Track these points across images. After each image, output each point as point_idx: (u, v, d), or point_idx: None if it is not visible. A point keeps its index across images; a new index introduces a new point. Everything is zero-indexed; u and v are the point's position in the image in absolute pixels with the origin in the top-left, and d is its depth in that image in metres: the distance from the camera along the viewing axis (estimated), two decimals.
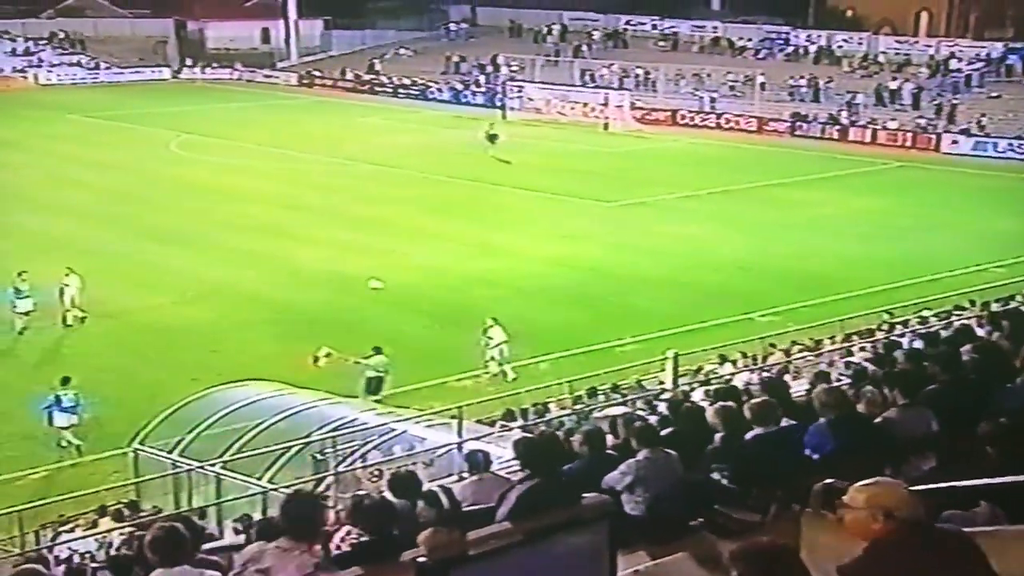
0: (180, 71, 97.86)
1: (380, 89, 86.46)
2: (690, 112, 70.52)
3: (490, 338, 27.72)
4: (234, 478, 18.60)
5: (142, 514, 18.26)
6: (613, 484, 9.22)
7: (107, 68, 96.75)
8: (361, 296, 33.27)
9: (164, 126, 68.31)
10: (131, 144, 62.97)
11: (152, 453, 20.07)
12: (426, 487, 9.09)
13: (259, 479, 18.23)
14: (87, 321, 31.42)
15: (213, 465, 18.94)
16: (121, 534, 16.69)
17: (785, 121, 66.87)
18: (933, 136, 61.64)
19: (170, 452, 19.84)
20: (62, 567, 15.22)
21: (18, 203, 46.12)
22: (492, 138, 56.80)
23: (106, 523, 18.21)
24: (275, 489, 17.68)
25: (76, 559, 16.26)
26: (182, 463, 19.48)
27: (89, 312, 31.71)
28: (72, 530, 18.56)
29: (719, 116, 69.25)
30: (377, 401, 24.65)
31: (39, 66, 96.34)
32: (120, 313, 32.36)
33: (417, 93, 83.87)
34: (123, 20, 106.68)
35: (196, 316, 32.18)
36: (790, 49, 79.53)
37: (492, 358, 27.62)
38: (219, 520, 17.43)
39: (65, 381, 24.18)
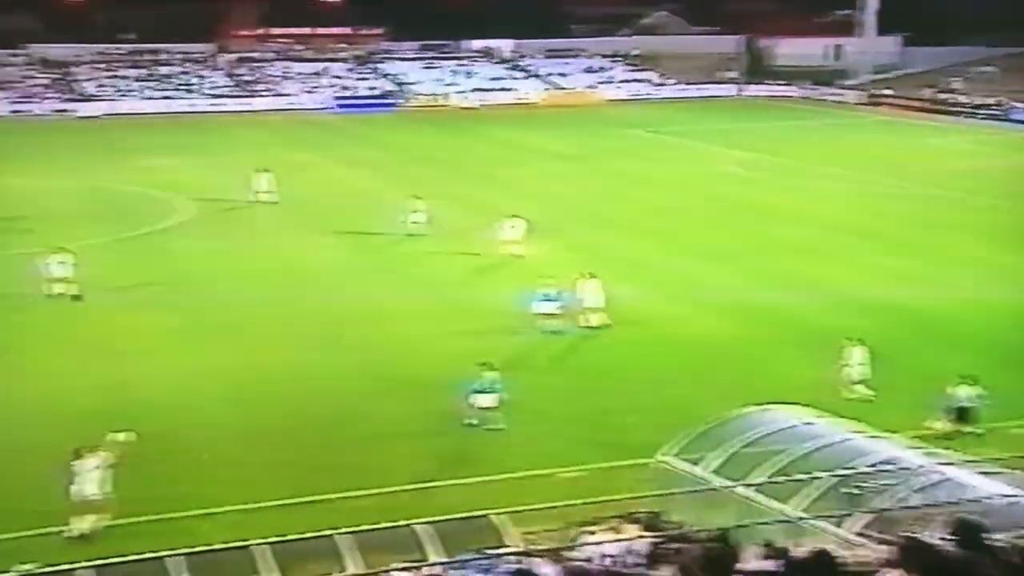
0: (744, 88, 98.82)
1: (956, 109, 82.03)
2: None
3: (850, 358, 26.54)
4: (761, 503, 17.79)
5: (666, 526, 17.94)
6: None
7: (672, 84, 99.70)
8: (906, 326, 31.42)
9: (723, 143, 69.09)
10: (688, 160, 64.29)
11: (680, 467, 19.72)
12: (992, 540, 7.87)
13: (789, 507, 17.30)
14: (617, 329, 31.89)
15: (740, 487, 18.25)
16: (648, 543, 16.42)
17: None
18: None
19: (698, 468, 19.39)
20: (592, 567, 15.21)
21: (574, 215, 48.33)
22: None
23: (629, 530, 18.05)
24: (803, 519, 16.71)
25: (597, 560, 16.17)
26: (709, 481, 18.96)
27: (625, 322, 32.28)
28: (598, 532, 18.57)
29: None
30: (973, 432, 23.58)
31: (609, 82, 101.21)
32: (654, 326, 32.63)
33: (999, 113, 78.51)
34: (695, 38, 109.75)
35: (731, 334, 31.74)
36: None
37: (850, 380, 26.33)
38: (742, 543, 16.68)
39: (485, 365, 25.29)
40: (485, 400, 24.93)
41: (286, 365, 29.15)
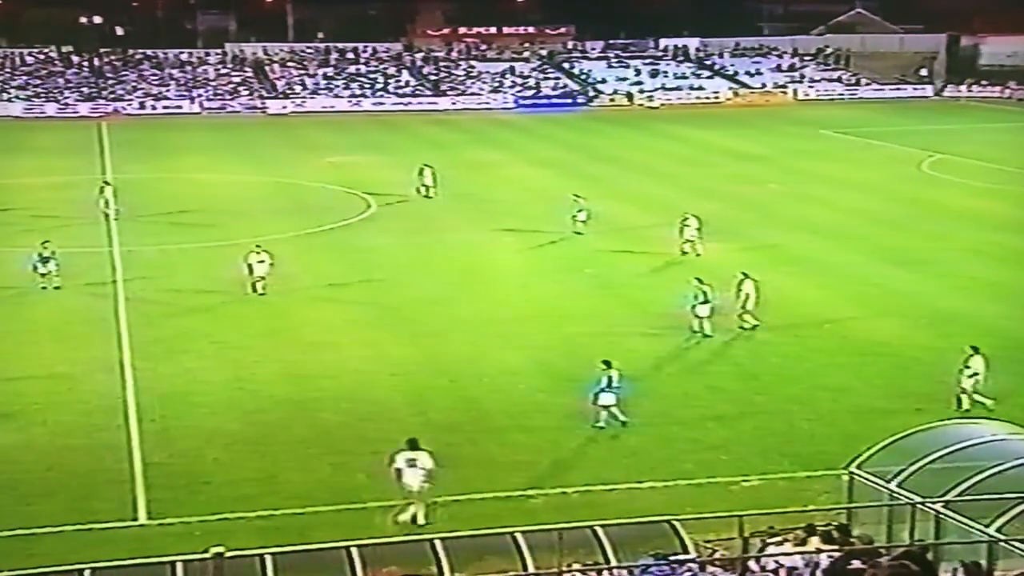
0: (944, 89, 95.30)
1: None
2: None
3: (967, 367, 25.27)
4: (956, 520, 16.87)
5: (854, 540, 17.21)
6: None
7: (866, 84, 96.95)
8: None
9: (918, 145, 66.77)
10: (880, 162, 62.38)
11: (868, 480, 18.89)
12: None
13: (986, 526, 16.34)
14: (798, 333, 30.94)
15: (934, 503, 17.33)
16: (829, 556, 15.82)
17: None
18: None
19: (888, 482, 18.54)
20: None
21: (758, 215, 47.21)
22: None
23: (813, 542, 17.39)
24: (1004, 541, 15.77)
25: (783, 573, 15.67)
26: (900, 495, 18.10)
27: (806, 326, 31.31)
28: (781, 543, 17.97)
29: None
30: None
31: (799, 82, 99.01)
32: (837, 331, 31.41)
33: None
34: (892, 36, 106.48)
35: (925, 344, 30.22)
36: None
37: (964, 389, 25.20)
38: (936, 561, 15.86)
39: (607, 364, 24.65)
40: (607, 398, 24.59)
41: (460, 360, 29.12)
